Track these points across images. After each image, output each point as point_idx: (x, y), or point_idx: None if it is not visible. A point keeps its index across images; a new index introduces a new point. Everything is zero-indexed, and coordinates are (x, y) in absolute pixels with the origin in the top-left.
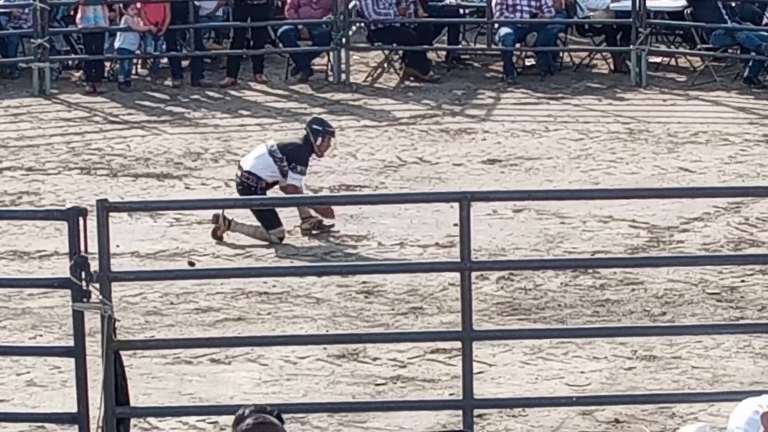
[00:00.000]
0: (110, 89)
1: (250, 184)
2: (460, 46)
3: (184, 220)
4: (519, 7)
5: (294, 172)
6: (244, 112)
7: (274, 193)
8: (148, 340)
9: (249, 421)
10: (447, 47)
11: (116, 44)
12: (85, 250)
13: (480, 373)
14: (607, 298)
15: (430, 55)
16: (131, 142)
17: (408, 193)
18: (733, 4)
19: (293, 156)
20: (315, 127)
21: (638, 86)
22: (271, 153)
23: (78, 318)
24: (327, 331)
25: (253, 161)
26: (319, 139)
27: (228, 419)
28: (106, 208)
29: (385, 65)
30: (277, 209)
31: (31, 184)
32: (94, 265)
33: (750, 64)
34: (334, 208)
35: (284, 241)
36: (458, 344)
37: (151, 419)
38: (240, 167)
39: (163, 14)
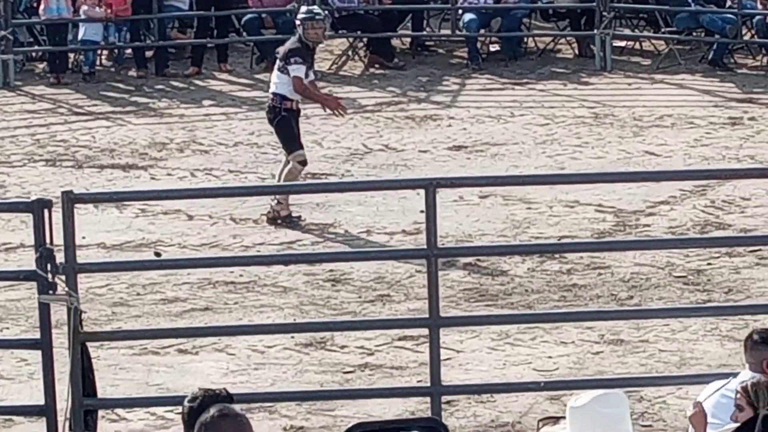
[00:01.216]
0: (74, 80)
1: (274, 105)
2: (425, 33)
3: (150, 210)
4: None
5: (291, 65)
6: (209, 102)
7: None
8: (114, 332)
9: (213, 412)
10: (411, 34)
11: (80, 35)
12: (51, 242)
13: (448, 359)
14: (574, 282)
15: (395, 42)
16: (96, 134)
17: (374, 180)
18: None
19: (288, 53)
20: (298, 18)
21: (603, 70)
22: (279, 70)
23: (44, 310)
24: (294, 319)
25: (273, 82)
26: (302, 28)
27: None
28: (71, 199)
29: (350, 53)
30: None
31: None
32: (59, 257)
33: (714, 46)
34: (305, 197)
35: (250, 231)
36: (426, 331)
37: (118, 410)
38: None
39: (123, 1)
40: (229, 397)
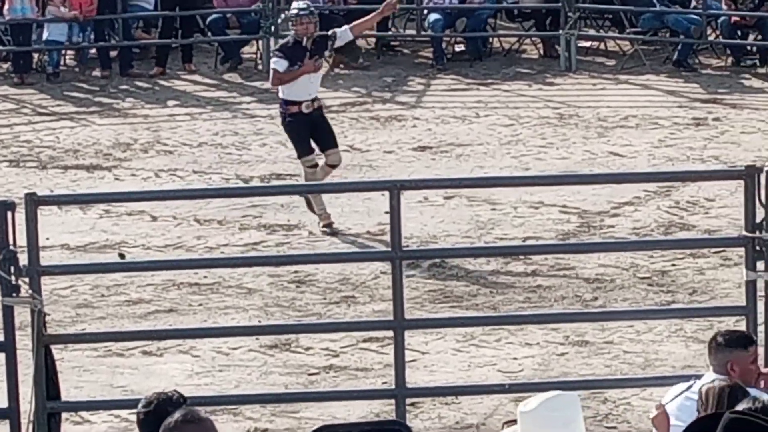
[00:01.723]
0: (38, 81)
1: (281, 111)
2: (390, 33)
3: (114, 211)
4: None
5: (272, 59)
6: (174, 102)
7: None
8: (78, 334)
9: (177, 417)
10: (376, 34)
11: (44, 35)
12: (14, 244)
13: (412, 361)
14: (539, 284)
15: (360, 42)
16: (60, 134)
17: (338, 182)
18: None
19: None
20: (290, 14)
21: (568, 71)
22: None
23: (8, 313)
24: (259, 321)
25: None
26: (290, 24)
27: None
28: (34, 201)
29: None
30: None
31: None
32: (23, 259)
33: (679, 47)
34: (270, 198)
35: (214, 232)
36: (391, 333)
37: (82, 413)
38: None
39: (90, 1)
40: (183, 400)
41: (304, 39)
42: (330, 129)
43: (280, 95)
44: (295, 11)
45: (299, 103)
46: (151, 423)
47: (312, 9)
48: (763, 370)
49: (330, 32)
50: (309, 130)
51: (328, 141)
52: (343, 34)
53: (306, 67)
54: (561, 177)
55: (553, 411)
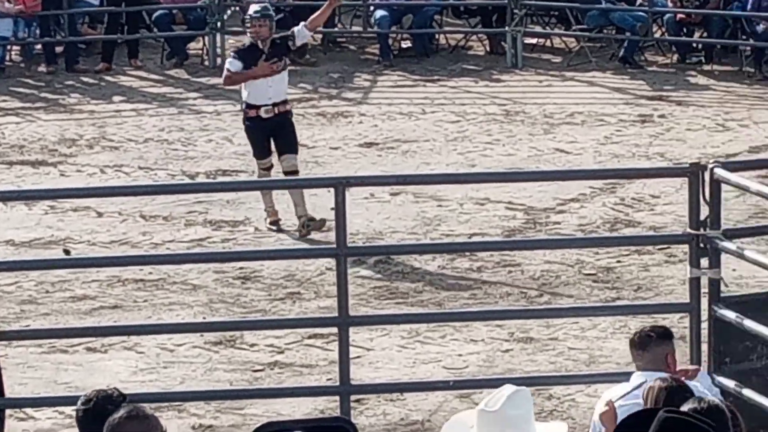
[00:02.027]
0: None
1: (243, 114)
2: (336, 29)
3: (59, 207)
4: None
5: (228, 58)
6: (119, 98)
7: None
8: (22, 331)
9: (122, 413)
10: (323, 30)
11: None
12: None
13: (357, 357)
14: (484, 280)
15: None
16: (5, 130)
17: (284, 179)
18: None
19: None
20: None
21: (514, 68)
22: None
23: None
24: (204, 317)
25: None
26: (246, 27)
27: None
28: None
29: None
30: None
31: None
32: None
33: (625, 44)
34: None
35: (160, 228)
36: (336, 329)
37: (27, 409)
38: None
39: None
40: (123, 398)
41: (260, 42)
42: (290, 135)
43: (243, 98)
44: (248, 16)
45: (258, 107)
46: (90, 421)
47: (267, 12)
48: (690, 367)
49: (290, 32)
50: (267, 134)
51: (284, 146)
52: (300, 32)
53: (258, 70)
54: (507, 174)
55: (513, 409)
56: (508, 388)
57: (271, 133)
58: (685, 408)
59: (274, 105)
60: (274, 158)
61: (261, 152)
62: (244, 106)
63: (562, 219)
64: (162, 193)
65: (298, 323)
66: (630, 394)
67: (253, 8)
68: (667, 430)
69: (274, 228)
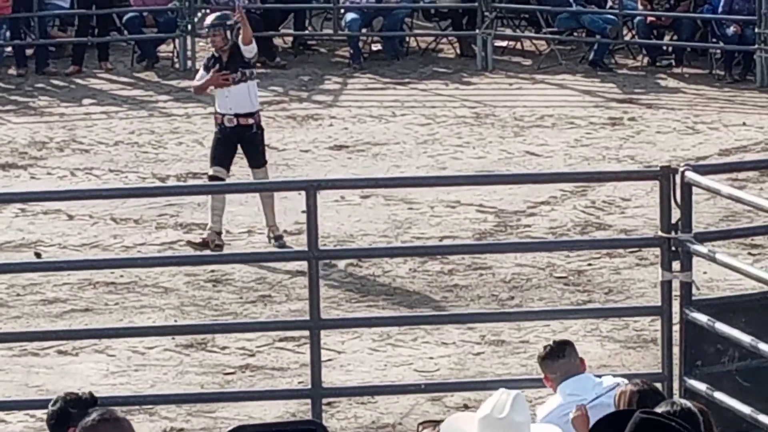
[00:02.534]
0: None
1: None
2: (306, 32)
3: (30, 210)
4: None
5: None
6: (90, 101)
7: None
8: None
9: (94, 416)
10: (293, 33)
11: None
12: None
13: (329, 360)
14: (456, 283)
15: (277, 41)
16: None
17: (255, 182)
18: None
19: None
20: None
21: (484, 70)
22: None
23: None
24: (175, 320)
25: None
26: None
27: None
28: None
29: None
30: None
31: None
32: None
33: (595, 47)
34: (187, 197)
35: (131, 231)
36: (307, 332)
37: None
38: None
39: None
40: (93, 401)
41: (219, 52)
42: (253, 150)
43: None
44: (206, 25)
45: (222, 115)
46: (60, 423)
47: (217, 22)
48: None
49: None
50: (228, 143)
51: (250, 161)
52: (243, 46)
53: (209, 80)
54: (477, 177)
55: (521, 415)
56: (507, 393)
57: (234, 143)
58: (658, 410)
59: (236, 116)
60: (227, 174)
61: (215, 159)
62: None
63: (532, 222)
64: (133, 197)
65: (269, 326)
66: (601, 396)
67: (209, 19)
68: (643, 430)
69: (211, 246)
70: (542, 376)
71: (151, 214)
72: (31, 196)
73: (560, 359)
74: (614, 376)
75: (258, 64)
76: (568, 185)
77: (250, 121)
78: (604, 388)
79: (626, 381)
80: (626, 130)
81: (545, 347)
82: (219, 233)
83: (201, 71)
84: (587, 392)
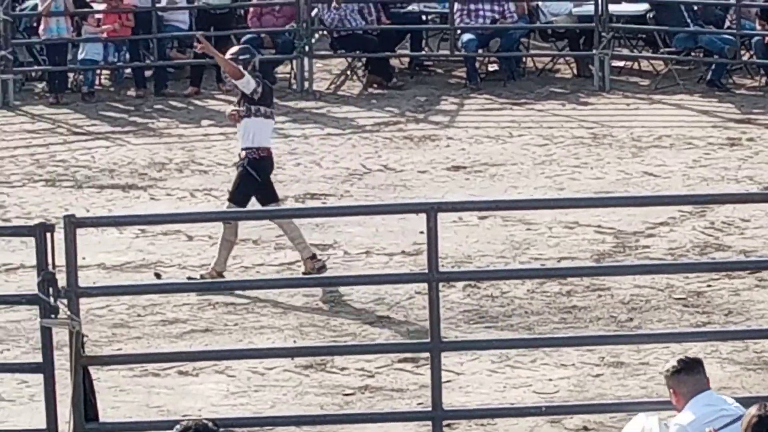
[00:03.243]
0: (73, 100)
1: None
2: (423, 53)
3: (150, 231)
4: (481, 13)
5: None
6: (208, 122)
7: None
8: (115, 355)
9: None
10: (410, 54)
11: (80, 55)
12: (53, 265)
13: (448, 381)
14: (574, 304)
15: (393, 61)
16: (96, 154)
17: (374, 204)
18: (696, 8)
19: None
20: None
21: (602, 90)
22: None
23: (46, 333)
24: (294, 341)
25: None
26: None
27: None
28: (73, 223)
29: (348, 72)
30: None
31: None
32: (61, 279)
33: (713, 67)
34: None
35: (249, 252)
36: (425, 353)
37: None
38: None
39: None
40: (216, 429)
41: None
42: (234, 183)
43: None
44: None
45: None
46: None
47: (231, 57)
48: None
49: None
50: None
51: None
52: (233, 81)
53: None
54: (596, 199)
55: None
56: (649, 417)
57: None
58: None
59: (242, 150)
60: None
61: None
62: None
63: (651, 243)
64: (251, 219)
65: (389, 348)
66: (733, 424)
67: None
68: None
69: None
70: (661, 398)
71: (270, 234)
72: (152, 219)
73: (695, 375)
74: (735, 398)
75: (374, 85)
76: (687, 206)
77: (242, 154)
78: (732, 411)
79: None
80: (745, 150)
81: (679, 362)
82: (313, 256)
83: None
84: (721, 404)
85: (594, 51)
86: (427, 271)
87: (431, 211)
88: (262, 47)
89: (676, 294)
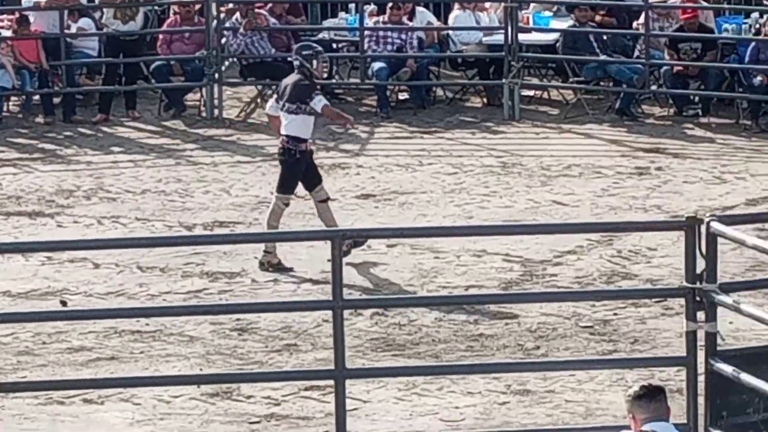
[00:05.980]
0: None
1: (288, 148)
2: (334, 81)
3: (56, 258)
4: (389, 39)
5: (315, 100)
6: (117, 149)
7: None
8: (18, 382)
9: None
10: (320, 82)
11: None
12: None
13: (354, 409)
14: (481, 332)
15: None
16: (3, 180)
17: (280, 231)
18: (605, 37)
19: (303, 93)
20: (306, 53)
21: (511, 120)
22: (289, 112)
23: None
24: (200, 369)
25: (285, 125)
26: (314, 62)
27: None
28: None
29: (258, 100)
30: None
31: None
32: None
33: (621, 96)
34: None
35: (156, 279)
36: (332, 381)
37: None
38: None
39: (36, 52)
40: None
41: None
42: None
43: (290, 132)
44: (320, 48)
45: (307, 141)
46: None
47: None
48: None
49: None
50: (307, 167)
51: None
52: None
53: (342, 117)
54: (504, 227)
55: None
56: None
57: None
58: None
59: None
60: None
61: (294, 187)
62: (291, 141)
63: (558, 271)
64: (159, 246)
65: (294, 375)
66: None
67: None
68: None
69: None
70: (567, 426)
71: (177, 262)
72: (58, 246)
73: (655, 402)
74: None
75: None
76: (594, 235)
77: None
78: None
79: None
80: (653, 179)
81: (641, 387)
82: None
83: (321, 96)
84: None
85: (504, 80)
86: (331, 298)
87: (336, 238)
88: (172, 74)
89: (583, 322)
